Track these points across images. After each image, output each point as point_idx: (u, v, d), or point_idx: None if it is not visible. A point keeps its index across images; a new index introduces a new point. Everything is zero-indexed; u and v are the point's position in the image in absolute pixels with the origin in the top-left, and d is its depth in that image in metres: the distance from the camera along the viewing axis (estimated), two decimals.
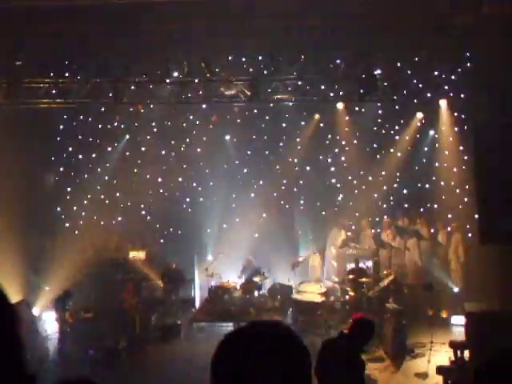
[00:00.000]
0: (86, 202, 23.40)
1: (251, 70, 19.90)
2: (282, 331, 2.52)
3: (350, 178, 23.34)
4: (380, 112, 22.45)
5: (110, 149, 23.91)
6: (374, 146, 22.96)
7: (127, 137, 24.09)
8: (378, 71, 17.58)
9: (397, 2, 14.98)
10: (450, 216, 21.77)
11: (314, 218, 22.89)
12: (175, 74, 17.67)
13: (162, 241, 23.80)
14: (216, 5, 15.29)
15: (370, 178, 23.01)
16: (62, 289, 18.91)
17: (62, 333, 17.87)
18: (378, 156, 22.97)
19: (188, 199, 24.10)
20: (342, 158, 23.49)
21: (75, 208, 23.23)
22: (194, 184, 23.97)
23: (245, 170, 23.86)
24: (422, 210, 22.41)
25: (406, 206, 22.75)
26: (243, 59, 20.55)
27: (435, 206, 22.45)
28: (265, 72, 18.56)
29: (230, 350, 2.47)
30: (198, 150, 23.69)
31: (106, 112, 22.56)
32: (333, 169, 23.57)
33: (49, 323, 18.84)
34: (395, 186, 23.05)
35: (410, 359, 16.62)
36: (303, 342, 2.51)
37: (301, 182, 23.69)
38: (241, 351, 2.42)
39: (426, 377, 15.37)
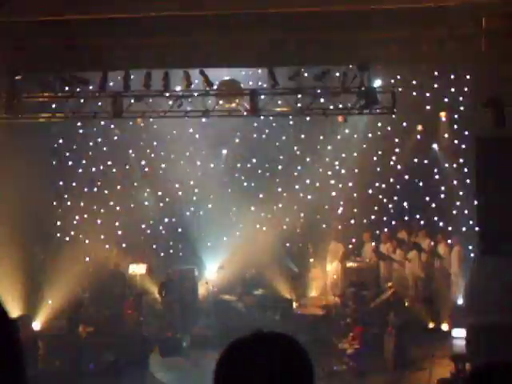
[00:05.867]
0: (85, 215, 23.40)
1: (250, 83, 19.91)
2: (287, 342, 2.51)
3: (350, 190, 23.31)
4: (380, 125, 22.44)
5: (109, 162, 23.89)
6: (374, 158, 22.91)
7: (127, 150, 24.09)
8: (378, 83, 17.59)
9: (397, 14, 14.96)
10: (450, 229, 21.76)
11: (314, 230, 22.85)
12: (174, 88, 17.66)
13: (162, 254, 23.77)
14: (215, 18, 15.30)
15: (370, 191, 22.99)
16: (69, 302, 18.89)
17: (74, 346, 17.72)
18: (378, 169, 22.94)
19: (188, 213, 24.06)
20: (342, 171, 23.45)
21: (75, 222, 23.24)
22: (194, 197, 23.93)
23: (245, 184, 23.83)
24: (422, 222, 22.37)
25: (406, 218, 22.70)
26: (242, 72, 20.58)
27: (435, 218, 22.43)
28: (264, 85, 18.56)
29: (234, 358, 2.47)
30: (198, 163, 23.68)
31: (105, 125, 22.60)
32: (333, 181, 23.51)
33: (52, 337, 18.77)
34: (395, 198, 23.01)
35: (411, 372, 16.57)
36: (308, 355, 2.50)
37: (301, 194, 23.63)
38: (244, 359, 2.42)
39: None
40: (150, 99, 18.03)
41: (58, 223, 23.19)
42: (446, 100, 21.91)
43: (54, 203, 22.95)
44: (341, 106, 17.79)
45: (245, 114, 17.98)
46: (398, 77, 20.57)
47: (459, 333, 17.66)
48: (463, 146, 21.69)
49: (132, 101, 17.71)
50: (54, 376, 16.88)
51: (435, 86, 21.80)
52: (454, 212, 22.04)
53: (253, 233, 22.95)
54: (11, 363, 2.14)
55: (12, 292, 18.02)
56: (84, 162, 23.55)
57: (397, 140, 22.93)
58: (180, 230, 23.95)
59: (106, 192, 23.83)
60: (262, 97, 17.91)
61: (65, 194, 23.43)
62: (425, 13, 14.94)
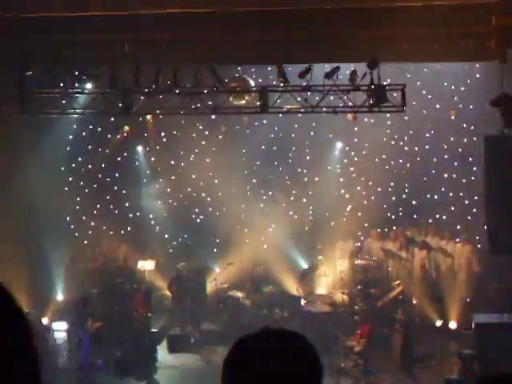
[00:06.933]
0: (95, 211, 23.46)
1: (260, 80, 19.94)
2: (297, 339, 2.53)
3: (358, 188, 23.32)
4: (389, 123, 22.44)
5: (119, 159, 23.97)
6: (383, 156, 22.90)
7: (137, 147, 24.19)
8: (388, 82, 17.57)
9: (407, 12, 14.97)
10: (458, 227, 21.74)
11: (323, 228, 22.85)
12: (184, 84, 17.66)
13: (170, 250, 23.81)
14: (225, 16, 15.32)
15: (379, 189, 23.00)
16: (76, 297, 18.96)
17: (82, 341, 17.75)
18: (386, 167, 22.94)
19: (197, 209, 24.12)
20: (351, 169, 23.48)
21: (84, 218, 23.31)
22: (203, 194, 23.97)
23: (254, 181, 23.85)
24: (430, 220, 22.37)
25: (414, 216, 22.70)
26: (252, 70, 20.61)
27: (444, 216, 22.44)
28: (274, 82, 18.58)
29: (243, 355, 2.48)
30: (207, 160, 23.69)
31: (116, 122, 22.62)
32: (342, 179, 23.55)
33: (60, 333, 18.85)
34: (404, 196, 23.04)
35: (418, 371, 16.58)
36: (317, 352, 2.51)
37: (310, 192, 23.64)
38: (253, 357, 2.43)
39: None
40: (159, 96, 18.08)
41: (68, 219, 23.27)
42: (455, 98, 21.91)
43: (64, 199, 22.97)
44: (350, 103, 17.77)
45: (254, 111, 17.99)
46: (408, 75, 20.51)
47: (467, 331, 17.65)
48: (472, 145, 21.65)
49: (142, 97, 17.75)
50: (62, 371, 16.98)
51: (445, 84, 21.81)
52: (463, 211, 22.03)
53: (262, 230, 23.00)
54: (27, 357, 2.18)
55: (22, 288, 18.09)
56: (94, 158, 23.59)
57: (406, 138, 22.95)
58: (189, 226, 24.01)
59: (115, 188, 23.90)
60: (272, 94, 17.92)
61: (74, 190, 23.47)
62: (435, 11, 14.95)
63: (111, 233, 23.21)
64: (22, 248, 19.02)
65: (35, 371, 2.18)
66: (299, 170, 23.72)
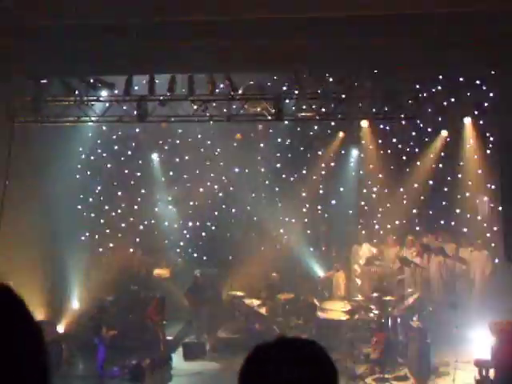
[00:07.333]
0: (109, 219, 23.48)
1: (275, 87, 19.92)
2: (313, 348, 2.51)
3: (374, 196, 23.28)
4: (404, 130, 22.38)
5: (133, 166, 23.98)
6: (399, 163, 22.85)
7: (151, 155, 24.23)
8: (403, 88, 17.53)
9: (422, 19, 14.95)
10: (474, 234, 21.64)
11: (338, 235, 22.83)
12: (199, 92, 17.67)
13: (186, 258, 23.82)
14: (240, 23, 15.33)
15: (394, 196, 22.94)
16: (93, 305, 19.00)
17: (97, 349, 17.75)
18: (402, 174, 22.89)
19: (212, 217, 24.12)
20: (366, 176, 23.42)
21: (99, 225, 23.32)
22: (218, 201, 23.99)
23: (269, 188, 23.84)
24: (446, 227, 22.28)
25: (430, 223, 22.62)
26: (267, 77, 20.58)
27: (460, 223, 22.33)
28: (289, 90, 18.58)
29: (259, 364, 2.46)
30: (222, 167, 23.70)
31: (131, 129, 22.69)
32: (357, 186, 23.49)
33: (75, 341, 18.85)
34: (420, 203, 22.94)
35: (434, 378, 16.51)
36: (333, 361, 2.49)
37: (325, 199, 23.62)
38: (270, 365, 2.41)
39: None
40: (174, 103, 18.08)
41: (82, 227, 23.27)
42: (470, 105, 21.82)
43: (79, 207, 23.03)
44: (365, 110, 17.76)
45: (269, 118, 17.97)
46: (423, 82, 20.46)
47: (483, 338, 17.53)
48: (488, 152, 21.58)
49: (157, 105, 17.76)
50: (77, 379, 17.00)
51: (460, 90, 21.73)
52: (479, 217, 21.95)
53: (277, 237, 22.99)
54: (38, 364, 2.16)
55: (37, 296, 18.13)
56: (109, 165, 23.64)
57: (421, 145, 22.88)
58: (204, 233, 24.03)
59: (130, 196, 23.92)
60: (287, 101, 17.92)
61: (89, 197, 23.52)
62: (450, 18, 14.91)
63: (126, 240, 23.23)
64: (38, 256, 19.04)
65: (44, 377, 2.17)
66: (314, 178, 23.68)
